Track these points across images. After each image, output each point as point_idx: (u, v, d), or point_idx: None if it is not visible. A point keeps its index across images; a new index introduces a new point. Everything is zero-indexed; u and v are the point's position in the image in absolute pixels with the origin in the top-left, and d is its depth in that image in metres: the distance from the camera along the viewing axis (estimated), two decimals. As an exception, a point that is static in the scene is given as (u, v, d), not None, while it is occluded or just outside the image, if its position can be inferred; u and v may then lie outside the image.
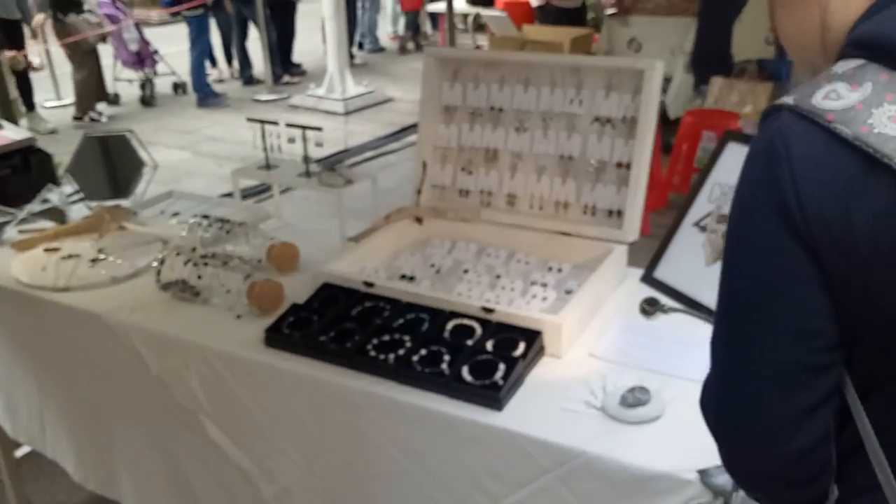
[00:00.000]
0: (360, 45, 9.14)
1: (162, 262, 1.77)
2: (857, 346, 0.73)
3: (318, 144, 2.49)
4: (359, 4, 8.79)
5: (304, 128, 2.49)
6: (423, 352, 1.42)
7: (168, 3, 7.04)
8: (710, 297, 1.59)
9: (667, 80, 5.61)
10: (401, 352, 1.43)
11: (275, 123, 2.57)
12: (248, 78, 7.63)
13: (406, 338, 1.46)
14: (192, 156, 5.95)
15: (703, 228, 1.68)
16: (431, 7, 7.10)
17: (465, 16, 5.54)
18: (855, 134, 0.67)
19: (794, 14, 0.81)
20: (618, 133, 1.79)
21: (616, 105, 1.78)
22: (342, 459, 1.50)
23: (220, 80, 7.96)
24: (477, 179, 1.96)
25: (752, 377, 0.77)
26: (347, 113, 6.52)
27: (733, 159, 1.70)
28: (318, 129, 2.53)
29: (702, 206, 1.70)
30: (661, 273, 1.72)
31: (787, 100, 0.73)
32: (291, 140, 2.49)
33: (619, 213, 1.78)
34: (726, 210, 1.66)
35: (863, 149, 0.66)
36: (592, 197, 1.84)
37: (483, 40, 6.55)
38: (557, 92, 1.83)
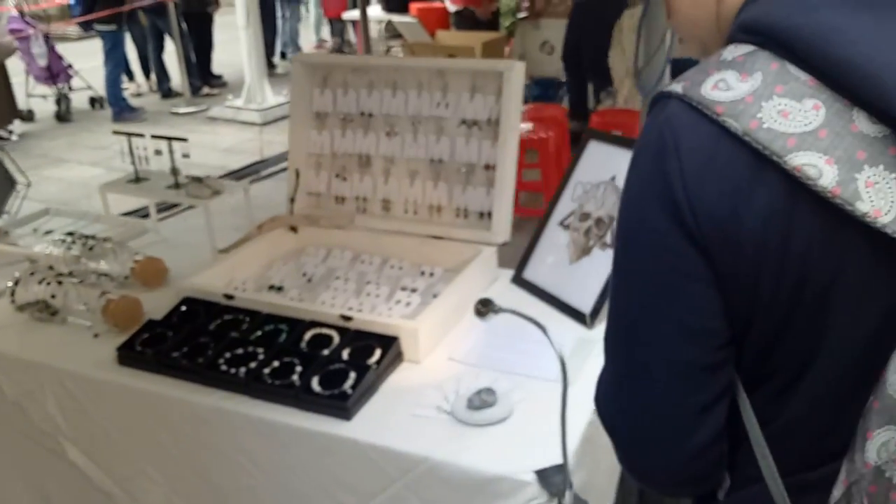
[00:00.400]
0: (283, 55, 9.04)
1: (16, 282, 1.69)
2: (744, 343, 0.71)
3: (185, 155, 2.43)
4: (279, 13, 8.70)
5: (169, 139, 2.43)
6: (276, 364, 1.39)
7: (80, 16, 6.84)
8: (576, 297, 1.60)
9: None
10: (252, 365, 1.39)
11: (140, 136, 2.51)
12: (166, 91, 7.47)
13: (260, 350, 1.43)
14: (106, 172, 5.75)
15: (567, 227, 1.69)
16: (347, 15, 7.05)
17: (379, 22, 5.52)
18: (744, 129, 0.63)
19: None
20: (484, 135, 1.79)
21: (481, 107, 1.78)
22: (202, 477, 1.46)
23: (139, 94, 7.77)
24: (352, 185, 1.94)
25: (646, 377, 0.74)
26: (265, 123, 6.42)
27: (595, 158, 1.71)
28: (184, 139, 2.47)
29: (566, 205, 1.71)
30: (530, 273, 1.73)
31: (676, 87, 0.67)
32: (158, 152, 2.43)
33: (490, 215, 1.78)
34: (588, 208, 1.69)
35: (752, 145, 0.62)
36: (464, 199, 1.83)
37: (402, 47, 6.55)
38: (424, 95, 1.83)
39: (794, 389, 0.69)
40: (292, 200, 1.94)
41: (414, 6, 5.93)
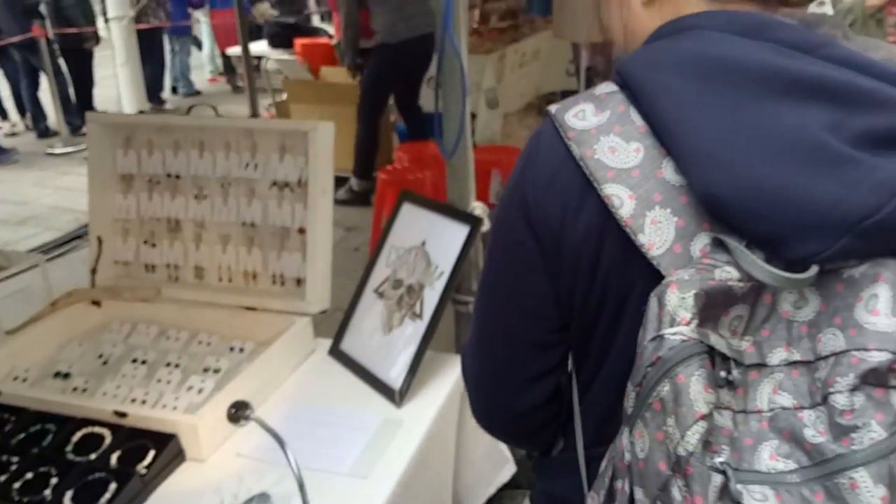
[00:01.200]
0: (175, 90, 8.75)
1: None
2: (571, 332, 0.82)
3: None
4: (168, 48, 8.42)
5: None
6: (30, 475, 1.23)
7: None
8: (386, 372, 1.49)
9: (473, 117, 5.66)
10: (2, 478, 1.22)
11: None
12: (42, 130, 7.08)
13: (15, 459, 1.26)
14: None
15: (382, 295, 1.58)
16: (231, 50, 6.86)
17: (259, 58, 5.36)
18: (581, 155, 0.71)
19: (608, 10, 0.84)
20: (296, 197, 1.68)
21: (291, 168, 1.67)
22: None
23: (13, 134, 7.35)
24: (161, 252, 1.78)
25: (492, 347, 0.88)
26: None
27: (408, 221, 1.62)
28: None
29: (381, 270, 1.61)
30: (347, 344, 1.61)
31: (554, 108, 0.76)
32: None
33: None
34: (401, 275, 1.59)
35: (584, 170, 0.71)
36: (279, 266, 1.71)
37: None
38: (233, 156, 1.70)
39: (596, 377, 0.82)
40: (94, 271, 1.77)
41: (298, 42, 5.80)
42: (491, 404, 0.92)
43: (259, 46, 6.39)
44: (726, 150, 0.65)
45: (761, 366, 0.66)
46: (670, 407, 0.63)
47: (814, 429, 0.63)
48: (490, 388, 0.90)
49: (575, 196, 0.73)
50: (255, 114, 5.80)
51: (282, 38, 6.07)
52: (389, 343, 1.51)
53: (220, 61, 9.03)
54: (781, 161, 0.63)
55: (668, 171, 0.69)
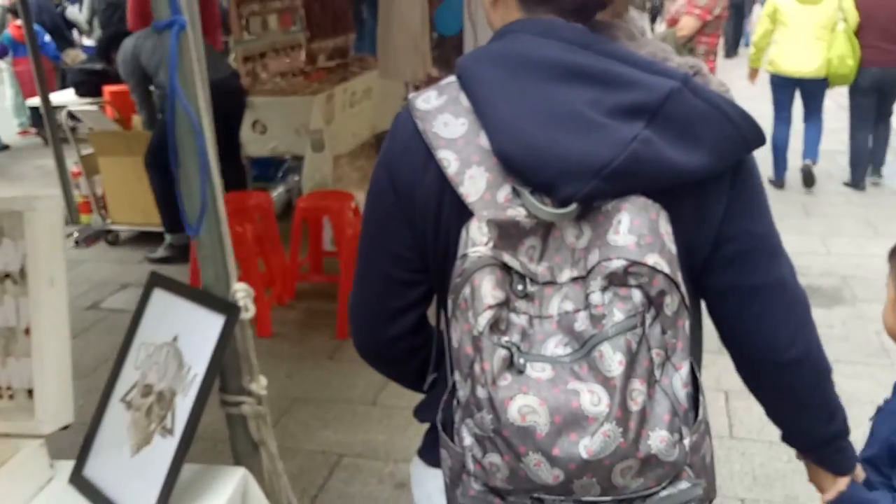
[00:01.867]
0: (-24, 145, 7.93)
1: None
2: (430, 272, 1.03)
3: None
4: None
5: None
6: None
7: None
8: (139, 501, 1.21)
9: (298, 160, 5.42)
10: None
11: None
12: None
13: None
14: None
15: (129, 405, 1.30)
16: (31, 101, 6.26)
17: (58, 108, 4.86)
18: (423, 129, 0.94)
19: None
20: (20, 290, 1.37)
21: (12, 255, 1.36)
22: None
23: None
24: None
25: (365, 284, 1.08)
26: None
27: (159, 311, 1.35)
28: None
29: (129, 374, 1.33)
30: (91, 469, 1.31)
31: (411, 95, 0.99)
32: None
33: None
34: (151, 379, 1.31)
35: (425, 140, 0.94)
36: (6, 375, 1.39)
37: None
38: (-65, 244, 1.37)
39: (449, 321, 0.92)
40: None
41: (107, 89, 5.35)
42: (365, 330, 1.10)
43: (65, 96, 5.88)
44: (515, 121, 0.88)
45: (553, 283, 0.88)
46: (469, 303, 0.84)
47: (581, 323, 0.85)
48: (365, 317, 1.09)
49: (421, 160, 0.95)
50: (62, 170, 5.29)
51: (89, 87, 5.60)
52: (138, 466, 1.24)
53: (29, 112, 8.28)
54: (552, 128, 0.86)
55: (483, 139, 0.91)
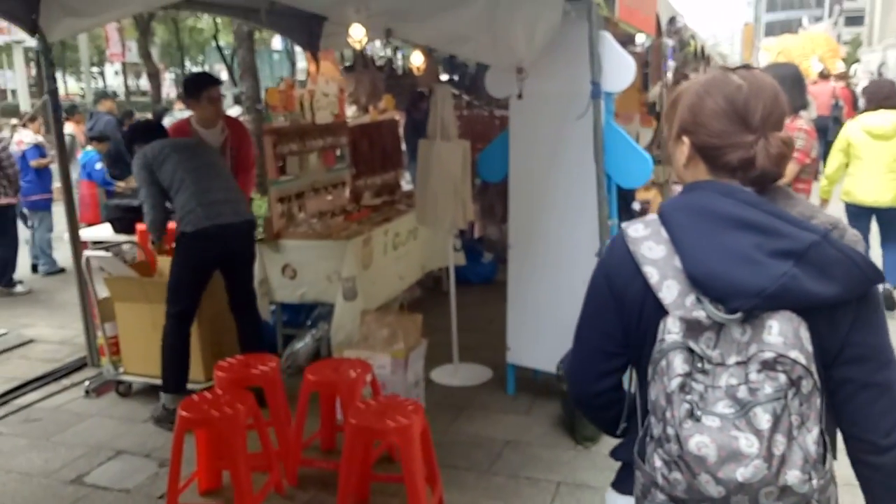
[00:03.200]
0: (35, 268, 7.94)
1: None
2: (629, 348, 1.48)
3: None
4: (24, 223, 7.71)
5: None
6: None
7: None
8: None
9: (325, 306, 5.02)
10: None
11: None
12: None
13: None
14: None
15: None
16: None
17: (96, 244, 4.68)
18: (633, 250, 1.39)
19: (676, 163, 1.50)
20: None
21: None
22: None
23: None
24: None
25: (581, 351, 1.55)
26: (-39, 367, 5.27)
27: None
28: None
29: None
30: None
31: (624, 224, 1.44)
32: None
33: None
34: None
35: (635, 259, 1.38)
36: None
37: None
38: None
39: (641, 384, 1.43)
40: None
41: (140, 227, 5.15)
42: (579, 385, 1.57)
43: (102, 230, 5.74)
44: (702, 253, 1.29)
45: (722, 364, 1.26)
46: (665, 371, 1.27)
47: (742, 392, 1.23)
48: (579, 375, 1.56)
49: (631, 272, 1.39)
50: (85, 312, 5.05)
51: (125, 223, 5.43)
52: None
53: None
54: (727, 261, 1.27)
55: (676, 261, 1.34)
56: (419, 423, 3.05)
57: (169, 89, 30.32)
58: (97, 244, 5.39)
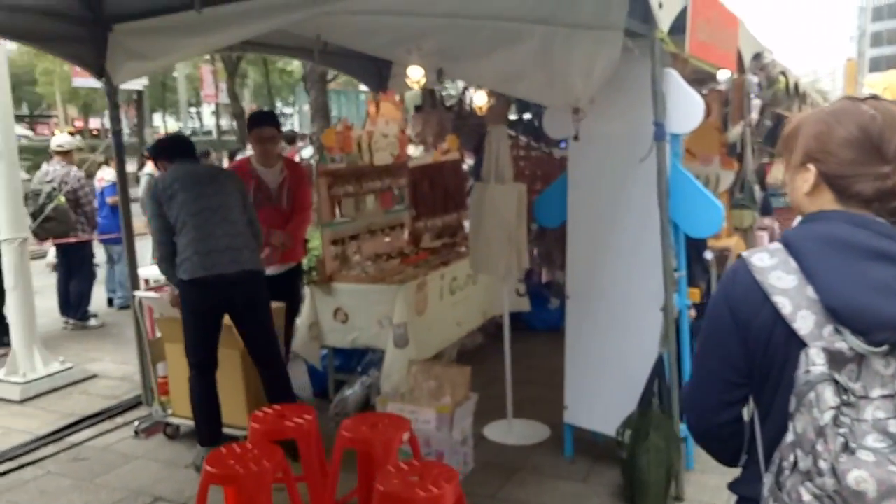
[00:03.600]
0: (111, 302, 8.13)
1: None
2: (752, 379, 1.46)
3: None
4: (105, 257, 7.92)
5: None
6: None
7: None
8: None
9: (377, 352, 4.84)
10: None
11: None
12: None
13: None
14: None
15: None
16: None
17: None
18: (760, 280, 1.37)
19: (793, 191, 1.49)
20: None
21: None
22: None
23: None
24: None
25: (701, 381, 1.54)
26: (25, 400, 5.33)
27: None
28: None
29: None
30: None
31: (744, 253, 1.43)
32: None
33: None
34: None
35: (762, 288, 1.37)
36: None
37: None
38: None
39: (770, 408, 1.42)
40: None
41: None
42: (698, 416, 1.56)
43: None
44: (839, 285, 1.28)
45: (866, 397, 1.27)
46: (814, 403, 1.25)
47: (893, 427, 1.25)
48: (700, 406, 1.55)
49: (758, 301, 1.37)
50: (141, 350, 5.04)
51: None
52: None
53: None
54: (868, 293, 1.27)
55: (810, 291, 1.32)
56: (452, 493, 2.80)
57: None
58: (158, 283, 5.42)
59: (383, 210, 5.53)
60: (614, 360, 3.92)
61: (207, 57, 26.31)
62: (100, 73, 4.66)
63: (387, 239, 5.50)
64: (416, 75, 4.57)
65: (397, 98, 5.97)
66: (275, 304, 4.67)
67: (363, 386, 4.83)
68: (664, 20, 3.38)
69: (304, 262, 5.42)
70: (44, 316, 7.57)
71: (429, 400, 3.95)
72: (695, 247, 4.24)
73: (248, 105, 47.09)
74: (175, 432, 4.63)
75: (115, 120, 4.89)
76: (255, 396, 4.31)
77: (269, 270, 4.87)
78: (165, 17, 4.32)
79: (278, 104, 36.36)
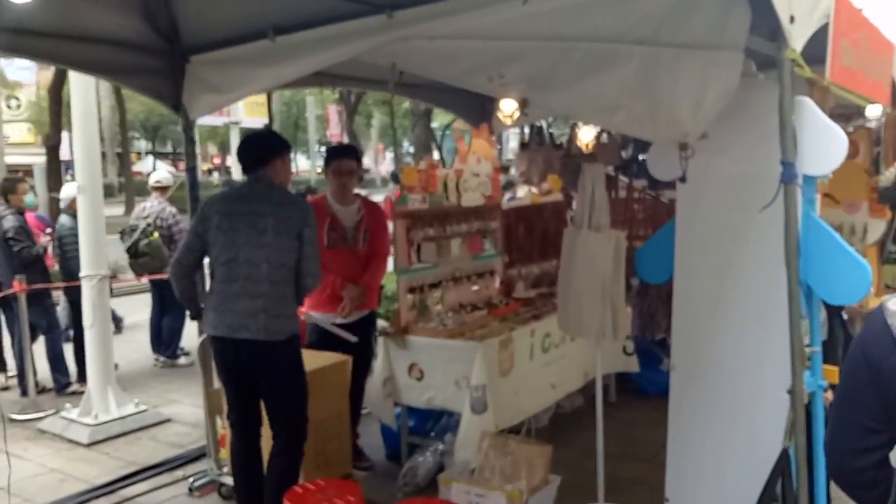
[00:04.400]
0: (206, 339, 8.03)
1: None
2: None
3: None
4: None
5: None
6: None
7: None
8: None
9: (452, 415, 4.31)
10: None
11: None
12: (25, 387, 6.40)
13: None
14: None
15: None
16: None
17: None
18: (892, 324, 1.44)
19: None
20: None
21: None
22: None
23: (6, 388, 6.73)
24: None
25: (839, 427, 1.58)
26: (92, 444, 5.16)
27: None
28: None
29: None
30: None
31: (886, 298, 1.48)
32: None
33: None
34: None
35: (893, 331, 1.44)
36: None
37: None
38: None
39: None
40: None
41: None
42: (837, 462, 1.58)
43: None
44: None
45: None
46: None
47: None
48: (839, 452, 1.57)
49: (889, 345, 1.44)
50: (209, 402, 4.74)
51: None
52: None
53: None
54: None
55: None
56: None
57: (389, 166, 31.83)
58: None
59: (471, 255, 5.03)
60: (725, 447, 3.22)
61: (336, 96, 27.13)
62: (175, 106, 4.47)
63: (474, 287, 4.99)
64: (508, 109, 4.09)
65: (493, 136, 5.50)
66: (339, 358, 4.27)
67: (436, 453, 4.30)
68: (797, 37, 2.72)
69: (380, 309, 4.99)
70: (139, 351, 7.57)
71: (500, 482, 3.38)
72: (837, 314, 3.47)
73: (375, 144, 48.31)
74: (230, 493, 4.26)
75: (191, 156, 4.69)
76: (313, 462, 3.87)
77: (339, 319, 4.48)
78: (240, 48, 4.09)
79: (405, 143, 37.03)
